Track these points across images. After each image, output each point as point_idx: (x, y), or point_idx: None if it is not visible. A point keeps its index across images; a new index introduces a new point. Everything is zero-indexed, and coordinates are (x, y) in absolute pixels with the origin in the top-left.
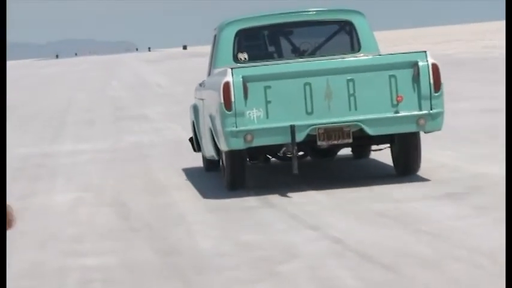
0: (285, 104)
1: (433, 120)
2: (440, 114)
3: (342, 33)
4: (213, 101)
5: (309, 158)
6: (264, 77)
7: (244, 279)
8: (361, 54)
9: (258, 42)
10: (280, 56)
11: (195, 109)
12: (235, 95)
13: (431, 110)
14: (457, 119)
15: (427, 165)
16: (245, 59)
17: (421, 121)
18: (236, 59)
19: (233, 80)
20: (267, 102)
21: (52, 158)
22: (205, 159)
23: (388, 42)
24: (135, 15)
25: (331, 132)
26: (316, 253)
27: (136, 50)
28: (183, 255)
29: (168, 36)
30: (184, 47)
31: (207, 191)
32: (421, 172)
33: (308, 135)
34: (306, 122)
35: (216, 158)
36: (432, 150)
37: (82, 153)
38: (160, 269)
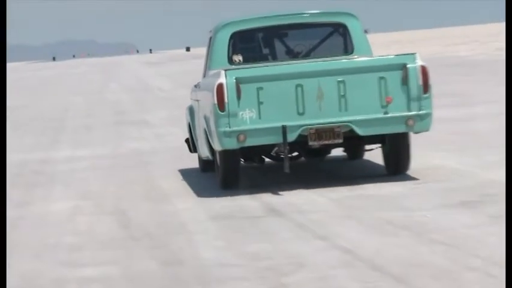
0: (277, 104)
1: (422, 121)
2: (428, 115)
3: (335, 36)
4: (207, 102)
5: (303, 158)
6: (257, 78)
7: None
8: (355, 56)
9: (252, 44)
10: (275, 58)
11: (191, 110)
12: (229, 96)
13: (419, 111)
14: (475, 123)
15: (439, 171)
16: (240, 60)
17: (410, 122)
18: (231, 61)
19: (226, 82)
20: (260, 103)
21: (50, 165)
22: (201, 160)
23: (397, 44)
24: (136, 15)
25: (322, 132)
26: (324, 263)
27: (137, 51)
28: (185, 265)
29: (170, 37)
30: (187, 49)
31: (209, 198)
32: (432, 178)
33: (300, 136)
34: (298, 123)
35: (211, 158)
36: (443, 155)
37: (81, 159)
38: (161, 280)
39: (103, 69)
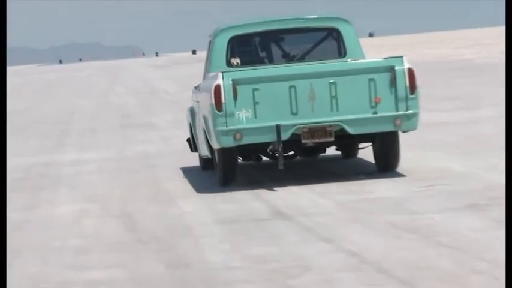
0: (272, 105)
1: (409, 121)
2: (415, 115)
3: (329, 40)
4: (206, 102)
5: (301, 159)
6: (252, 80)
7: None
8: (349, 60)
9: (250, 48)
10: (271, 61)
11: (192, 111)
12: (226, 97)
13: (407, 111)
14: (481, 126)
15: (445, 174)
16: (238, 63)
17: (398, 121)
18: (229, 64)
19: (224, 83)
20: (255, 103)
21: (56, 168)
22: (202, 159)
23: (400, 46)
24: (142, 18)
25: (315, 131)
26: (330, 266)
27: (144, 54)
28: (192, 268)
29: (176, 40)
30: (194, 52)
31: (216, 201)
32: (438, 181)
33: (293, 134)
34: (291, 122)
35: (210, 156)
36: (449, 157)
37: (87, 162)
38: (168, 283)
39: (109, 72)
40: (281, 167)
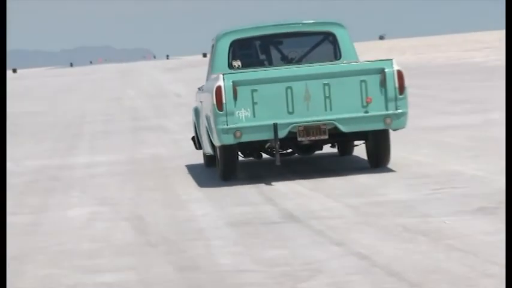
0: (269, 105)
1: (398, 119)
2: (404, 114)
3: (325, 43)
4: (208, 102)
5: (296, 155)
6: (251, 81)
7: None
8: (344, 62)
9: (250, 51)
10: (270, 64)
11: (196, 111)
12: (226, 97)
13: (396, 110)
14: (492, 129)
15: (456, 177)
16: (239, 66)
17: (388, 120)
18: (231, 66)
19: (224, 84)
20: (254, 103)
21: (67, 170)
22: (206, 156)
23: (411, 49)
24: (153, 21)
25: (310, 129)
26: (341, 269)
27: (154, 57)
28: (202, 271)
29: (186, 43)
30: (204, 55)
31: (227, 204)
32: (449, 184)
33: (289, 132)
34: (288, 121)
35: (212, 153)
36: (460, 161)
37: (98, 165)
38: (179, 286)
39: (120, 75)
40: (278, 163)
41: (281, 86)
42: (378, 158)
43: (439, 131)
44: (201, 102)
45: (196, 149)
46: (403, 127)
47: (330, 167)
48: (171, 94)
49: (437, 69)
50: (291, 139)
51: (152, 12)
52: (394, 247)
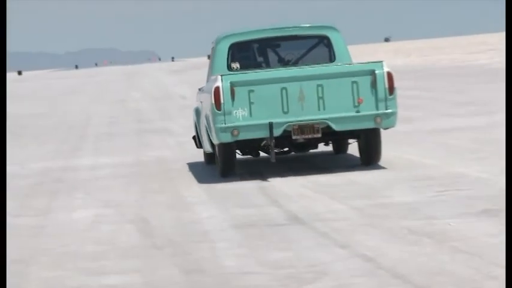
0: (265, 104)
1: (388, 119)
2: (393, 114)
3: (320, 46)
4: (207, 102)
5: (293, 153)
6: (248, 82)
7: None
8: (337, 64)
9: (248, 53)
10: (268, 66)
11: (197, 111)
12: (224, 97)
13: (386, 110)
14: (497, 131)
15: (461, 179)
16: (237, 68)
17: (378, 119)
18: (230, 68)
19: (222, 85)
20: (251, 103)
21: (72, 173)
22: (206, 154)
23: (416, 51)
24: (158, 23)
25: (304, 128)
26: (346, 271)
27: (159, 59)
28: (208, 273)
29: (192, 45)
30: (209, 57)
31: (232, 206)
32: (453, 186)
33: (284, 131)
34: (283, 120)
35: (212, 151)
36: (464, 163)
37: (103, 167)
38: None
39: (125, 77)
40: (273, 160)
41: (276, 87)
42: (369, 156)
43: (444, 133)
44: (201, 102)
45: (197, 147)
46: (392, 126)
47: (330, 166)
48: (176, 96)
49: (442, 71)
50: (286, 137)
51: (157, 14)
52: (399, 249)
